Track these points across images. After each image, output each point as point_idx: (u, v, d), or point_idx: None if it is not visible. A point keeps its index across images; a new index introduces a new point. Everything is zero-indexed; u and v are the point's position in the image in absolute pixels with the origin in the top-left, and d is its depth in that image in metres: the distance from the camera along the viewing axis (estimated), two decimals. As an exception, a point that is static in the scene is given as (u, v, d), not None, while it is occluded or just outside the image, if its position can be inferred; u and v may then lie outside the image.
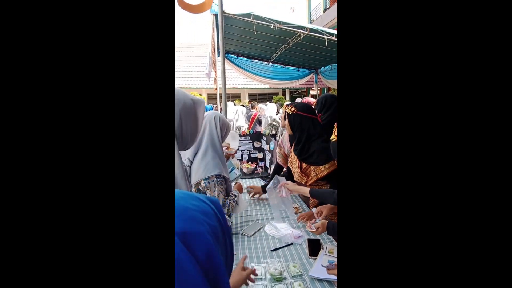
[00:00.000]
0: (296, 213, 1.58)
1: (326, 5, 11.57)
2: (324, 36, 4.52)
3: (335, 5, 11.21)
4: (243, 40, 5.44)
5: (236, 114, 5.75)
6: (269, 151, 2.39)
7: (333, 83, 6.69)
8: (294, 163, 1.61)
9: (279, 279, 1.02)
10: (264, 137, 2.50)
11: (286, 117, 1.55)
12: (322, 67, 6.99)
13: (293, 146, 1.61)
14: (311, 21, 12.44)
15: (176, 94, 0.85)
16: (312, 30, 4.54)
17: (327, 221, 1.23)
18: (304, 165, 1.54)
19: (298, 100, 5.66)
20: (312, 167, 1.49)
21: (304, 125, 1.51)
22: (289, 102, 2.04)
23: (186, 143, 0.93)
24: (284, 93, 12.83)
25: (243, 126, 5.68)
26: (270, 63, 6.92)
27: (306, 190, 1.40)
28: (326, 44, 4.65)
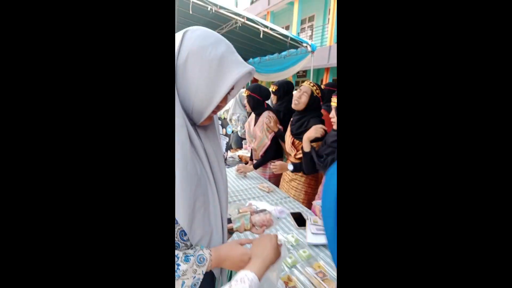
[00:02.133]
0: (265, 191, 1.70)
1: None
2: (260, 28, 4.67)
3: (260, 1, 11.57)
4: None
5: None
6: (226, 135, 2.37)
7: (259, 77, 7.00)
8: (288, 137, 1.76)
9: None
10: (220, 121, 2.45)
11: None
12: (250, 59, 7.19)
13: (289, 124, 1.79)
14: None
15: None
16: (249, 19, 4.61)
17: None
18: (296, 141, 1.69)
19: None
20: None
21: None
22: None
23: None
24: None
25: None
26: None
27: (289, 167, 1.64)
28: (261, 36, 4.82)
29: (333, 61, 7.90)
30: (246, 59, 7.37)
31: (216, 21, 4.93)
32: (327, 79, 8.72)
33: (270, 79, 6.94)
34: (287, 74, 6.06)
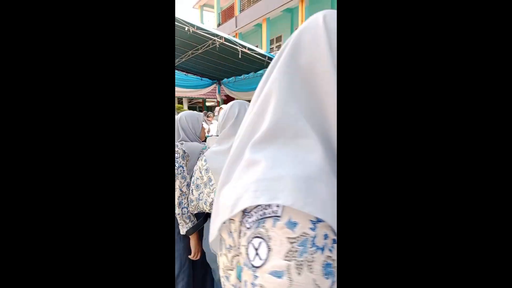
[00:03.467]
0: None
1: (219, 21, 12.05)
2: (238, 48, 4.67)
3: (227, 23, 11.84)
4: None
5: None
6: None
7: (238, 95, 6.96)
8: None
9: None
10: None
11: None
12: (225, 79, 7.16)
13: None
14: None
15: None
16: (227, 40, 4.59)
17: None
18: None
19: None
20: None
21: None
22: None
23: None
24: (180, 102, 12.18)
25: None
26: (171, 69, 6.47)
27: None
28: (240, 56, 4.81)
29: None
30: (220, 79, 7.33)
31: (192, 41, 4.85)
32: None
33: (247, 97, 6.94)
34: (265, 92, 6.09)
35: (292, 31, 10.51)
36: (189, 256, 1.22)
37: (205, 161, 1.02)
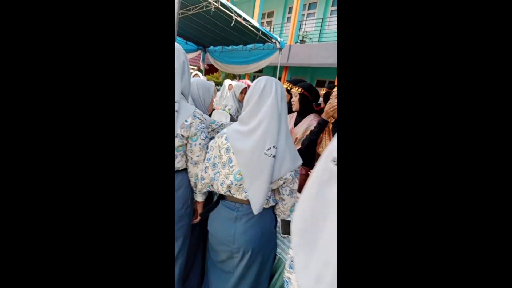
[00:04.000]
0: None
1: None
2: (233, 16, 4.38)
3: None
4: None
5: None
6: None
7: (223, 67, 6.65)
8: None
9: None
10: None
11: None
12: (212, 47, 6.75)
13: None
14: None
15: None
16: (222, 4, 4.27)
17: None
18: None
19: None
20: None
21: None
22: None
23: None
24: None
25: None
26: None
27: None
28: (231, 25, 4.54)
29: (293, 61, 8.04)
30: (206, 46, 6.91)
31: (185, 1, 4.43)
32: (285, 77, 8.87)
33: (233, 71, 6.68)
34: (253, 68, 5.90)
35: (285, 9, 10.13)
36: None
37: (225, 139, 0.95)
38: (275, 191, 0.97)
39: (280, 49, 5.32)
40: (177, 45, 1.01)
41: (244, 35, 5.25)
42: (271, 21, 10.87)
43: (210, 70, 9.40)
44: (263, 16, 10.88)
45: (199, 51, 6.94)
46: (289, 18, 9.91)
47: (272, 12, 10.73)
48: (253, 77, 10.49)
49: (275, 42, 5.25)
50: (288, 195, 0.95)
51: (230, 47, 6.33)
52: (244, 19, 4.54)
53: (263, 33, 4.92)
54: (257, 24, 4.80)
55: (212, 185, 1.02)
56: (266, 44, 5.49)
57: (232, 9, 4.37)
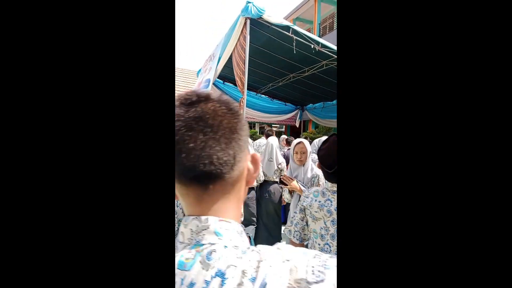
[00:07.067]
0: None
1: (319, 33, 11.01)
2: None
3: (329, 35, 10.49)
4: (257, 59, 4.60)
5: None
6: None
7: (326, 123, 6.53)
8: None
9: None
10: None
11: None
12: (311, 104, 6.79)
13: None
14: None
15: None
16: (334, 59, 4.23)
17: None
18: None
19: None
20: None
21: None
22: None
23: None
24: (253, 127, 11.58)
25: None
26: (258, 94, 6.27)
27: None
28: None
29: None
30: (303, 105, 6.97)
31: (297, 63, 4.57)
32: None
33: (331, 125, 6.49)
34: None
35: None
36: None
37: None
38: None
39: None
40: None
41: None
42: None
43: (296, 128, 9.39)
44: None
45: (296, 110, 7.06)
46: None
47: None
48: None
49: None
50: None
51: (333, 102, 6.20)
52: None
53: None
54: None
55: None
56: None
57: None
